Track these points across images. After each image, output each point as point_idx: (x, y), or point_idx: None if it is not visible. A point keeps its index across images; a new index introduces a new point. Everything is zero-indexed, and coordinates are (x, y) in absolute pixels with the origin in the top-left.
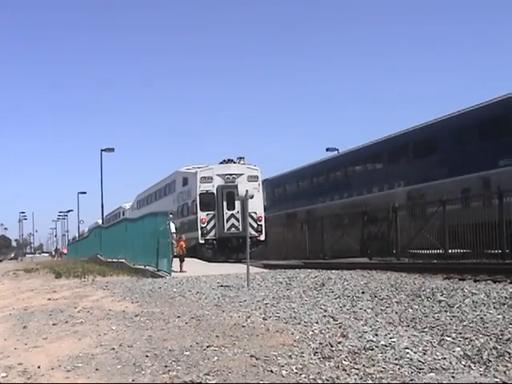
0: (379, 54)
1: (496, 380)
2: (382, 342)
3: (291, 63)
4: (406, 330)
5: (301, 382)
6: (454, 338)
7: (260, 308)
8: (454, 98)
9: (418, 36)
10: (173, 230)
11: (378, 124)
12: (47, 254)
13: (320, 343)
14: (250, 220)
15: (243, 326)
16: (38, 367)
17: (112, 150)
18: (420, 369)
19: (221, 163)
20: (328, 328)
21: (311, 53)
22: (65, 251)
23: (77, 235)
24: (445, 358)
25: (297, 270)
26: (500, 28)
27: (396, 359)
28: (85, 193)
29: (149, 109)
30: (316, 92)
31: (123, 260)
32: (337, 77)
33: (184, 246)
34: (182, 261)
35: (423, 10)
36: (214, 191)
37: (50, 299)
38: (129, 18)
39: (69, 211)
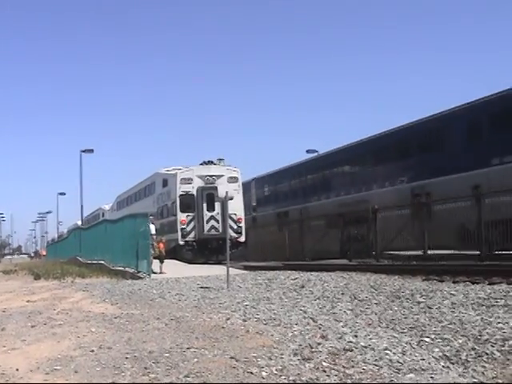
0: (380, 51)
1: (474, 380)
2: (362, 343)
3: (281, 63)
4: (385, 331)
5: (281, 383)
6: (432, 339)
7: (240, 309)
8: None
9: (417, 34)
10: (152, 231)
11: (371, 123)
12: (26, 256)
13: (300, 344)
14: (230, 221)
15: (223, 328)
16: (17, 370)
17: (91, 151)
18: (399, 369)
19: (201, 164)
20: (308, 329)
21: (305, 52)
22: (44, 253)
23: (56, 236)
24: (424, 359)
25: (277, 271)
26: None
27: (375, 360)
28: (64, 194)
29: (129, 110)
30: (308, 92)
31: (103, 261)
32: (334, 76)
33: (163, 247)
34: (161, 262)
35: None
36: (194, 192)
37: (28, 301)
38: (113, 16)
39: (48, 212)
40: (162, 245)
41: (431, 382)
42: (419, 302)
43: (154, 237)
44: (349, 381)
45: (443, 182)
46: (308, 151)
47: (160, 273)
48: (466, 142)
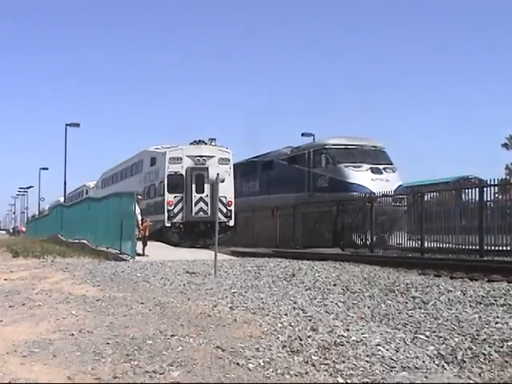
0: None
1: (470, 382)
2: (354, 338)
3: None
4: (378, 326)
5: (268, 376)
6: (427, 337)
7: (227, 297)
8: None
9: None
10: (137, 211)
11: None
12: (4, 232)
13: (289, 336)
14: (220, 204)
15: (209, 316)
16: None
17: (77, 125)
18: (392, 367)
19: (191, 144)
20: (297, 321)
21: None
22: (23, 229)
23: (37, 213)
24: (418, 357)
25: (266, 258)
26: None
27: (367, 356)
28: (47, 169)
29: (117, 84)
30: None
31: (85, 241)
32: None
33: (146, 228)
34: (144, 244)
35: None
36: (183, 173)
37: (6, 279)
38: None
39: (29, 187)
40: (145, 225)
41: (425, 381)
42: (414, 297)
43: (139, 217)
44: (339, 377)
45: None
46: (303, 134)
47: (142, 255)
48: None
